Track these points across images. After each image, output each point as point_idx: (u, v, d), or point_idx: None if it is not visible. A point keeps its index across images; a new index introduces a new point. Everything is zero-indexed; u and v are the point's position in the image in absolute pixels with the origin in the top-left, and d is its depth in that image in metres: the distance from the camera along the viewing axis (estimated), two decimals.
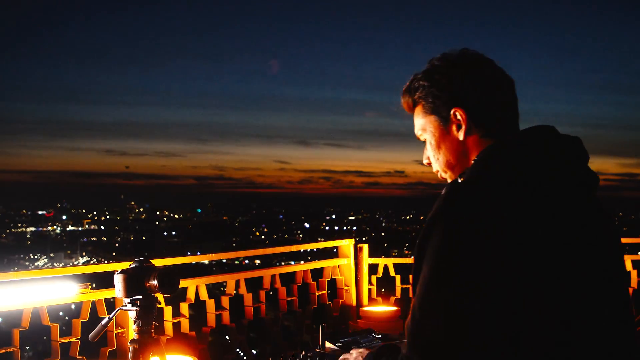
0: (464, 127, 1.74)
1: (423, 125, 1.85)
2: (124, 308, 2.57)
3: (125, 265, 2.62)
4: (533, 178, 1.59)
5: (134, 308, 2.53)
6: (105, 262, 3.70)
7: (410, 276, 1.65)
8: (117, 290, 2.54)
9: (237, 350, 4.35)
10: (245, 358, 4.36)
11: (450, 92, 1.75)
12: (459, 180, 1.69)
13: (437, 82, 1.77)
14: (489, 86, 1.75)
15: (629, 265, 5.58)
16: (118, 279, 2.52)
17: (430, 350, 1.51)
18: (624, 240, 6.69)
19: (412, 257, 1.63)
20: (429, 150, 1.87)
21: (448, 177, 1.86)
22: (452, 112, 1.75)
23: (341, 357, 2.21)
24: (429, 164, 1.90)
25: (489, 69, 1.78)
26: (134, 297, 2.52)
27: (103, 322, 2.63)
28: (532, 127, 1.71)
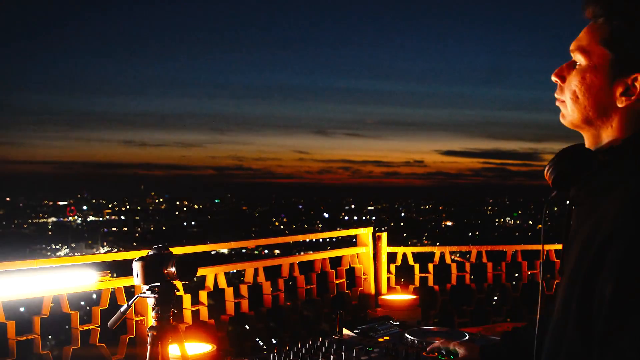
0: (633, 98, 1.45)
1: (590, 48, 1.50)
2: (143, 295, 2.57)
3: (144, 253, 2.63)
4: None
5: (153, 295, 2.53)
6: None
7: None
8: (136, 278, 2.54)
9: (256, 338, 4.36)
10: (264, 346, 4.37)
11: None
12: (604, 157, 1.48)
13: None
14: None
15: None
16: (136, 266, 2.53)
17: None
18: None
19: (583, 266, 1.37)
20: (574, 78, 1.54)
21: (569, 116, 1.57)
22: (633, 75, 1.44)
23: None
24: (557, 82, 1.59)
25: None
26: (153, 284, 2.53)
27: (122, 309, 2.64)
28: None
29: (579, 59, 1.52)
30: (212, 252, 4.36)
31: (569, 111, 1.55)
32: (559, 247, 1.64)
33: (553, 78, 1.58)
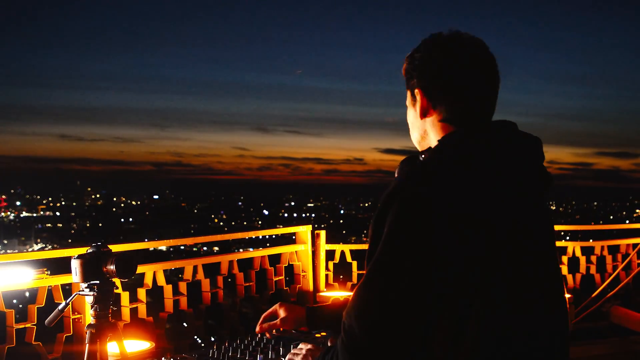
0: (422, 109, 1.78)
1: (407, 97, 1.89)
2: (81, 293, 2.57)
3: (82, 250, 2.62)
4: (490, 171, 1.61)
5: (92, 293, 2.54)
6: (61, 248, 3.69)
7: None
8: (75, 275, 2.54)
9: (195, 335, 4.37)
10: (202, 343, 4.38)
11: (419, 72, 1.78)
12: (419, 160, 1.77)
13: (413, 62, 1.80)
14: (456, 71, 1.74)
15: (578, 252, 5.79)
16: (75, 264, 2.52)
17: (362, 340, 1.54)
18: (576, 227, 6.92)
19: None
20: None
21: (419, 149, 1.90)
22: (415, 91, 1.79)
23: (290, 353, 2.22)
24: None
25: (465, 54, 1.75)
26: (92, 282, 2.53)
27: (60, 307, 2.63)
28: (496, 121, 1.77)
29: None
30: (150, 249, 4.36)
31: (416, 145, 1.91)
32: None
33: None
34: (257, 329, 2.50)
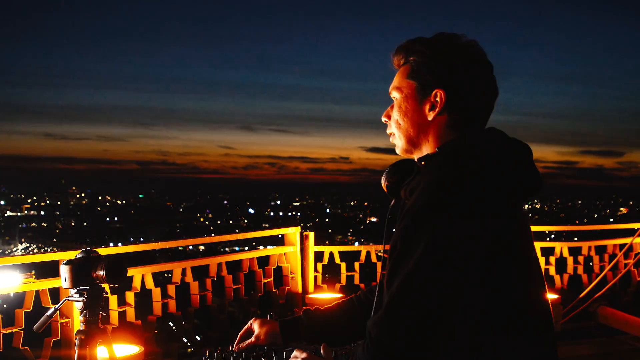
0: (437, 110, 1.77)
1: (400, 85, 1.85)
2: (70, 298, 2.54)
3: (71, 255, 2.60)
4: (499, 179, 1.65)
5: (81, 298, 2.51)
6: (46, 248, 3.67)
7: (379, 266, 1.70)
8: (63, 281, 2.51)
9: (183, 338, 4.35)
10: (191, 346, 4.37)
11: (443, 72, 1.77)
12: (421, 164, 1.82)
13: (436, 56, 1.78)
14: (478, 84, 1.79)
15: (565, 252, 5.84)
16: (64, 270, 2.50)
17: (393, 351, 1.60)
18: (560, 228, 6.97)
19: (390, 248, 1.69)
20: (394, 111, 1.88)
21: (399, 143, 1.89)
22: (434, 91, 1.77)
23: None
24: (387, 122, 1.92)
25: (483, 67, 1.81)
26: (81, 288, 2.50)
27: (49, 312, 2.60)
28: (491, 129, 1.79)
29: (395, 95, 1.87)
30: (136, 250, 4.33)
31: (397, 138, 1.88)
32: None
33: (383, 119, 1.93)
34: (235, 348, 2.46)
